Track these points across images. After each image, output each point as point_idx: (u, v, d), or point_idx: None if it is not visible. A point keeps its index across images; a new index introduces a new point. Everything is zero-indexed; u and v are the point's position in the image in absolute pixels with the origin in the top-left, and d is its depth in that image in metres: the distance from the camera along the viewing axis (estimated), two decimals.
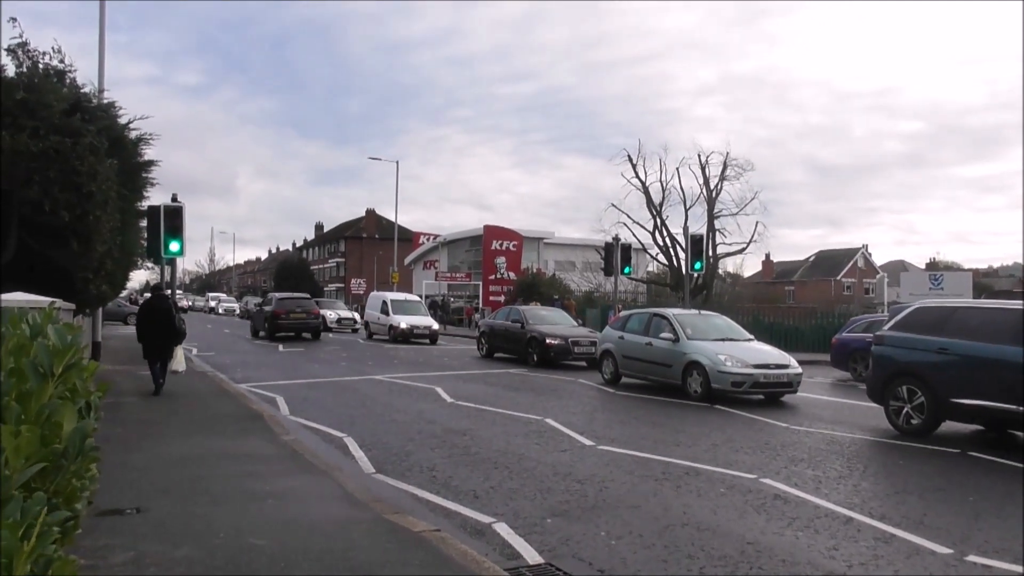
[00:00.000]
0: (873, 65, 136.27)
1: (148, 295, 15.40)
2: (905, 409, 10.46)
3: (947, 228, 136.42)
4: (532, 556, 5.37)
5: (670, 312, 16.04)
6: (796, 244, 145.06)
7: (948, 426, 10.58)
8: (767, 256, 79.95)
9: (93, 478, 3.02)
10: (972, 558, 5.43)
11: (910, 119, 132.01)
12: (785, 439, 10.05)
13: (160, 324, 13.28)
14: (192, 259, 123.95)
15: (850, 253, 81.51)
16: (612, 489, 7.26)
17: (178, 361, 14.42)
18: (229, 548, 5.08)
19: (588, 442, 9.59)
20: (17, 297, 5.65)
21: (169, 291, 18.47)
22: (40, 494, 1.72)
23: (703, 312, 17.27)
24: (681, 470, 8.07)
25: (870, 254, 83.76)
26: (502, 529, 5.99)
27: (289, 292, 37.75)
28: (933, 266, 75.72)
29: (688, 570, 5.10)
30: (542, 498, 6.92)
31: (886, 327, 11.22)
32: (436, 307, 45.82)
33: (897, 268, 67.00)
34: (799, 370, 13.96)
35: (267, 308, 31.55)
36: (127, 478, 7.02)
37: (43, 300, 5.57)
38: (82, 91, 11.49)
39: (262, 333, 31.09)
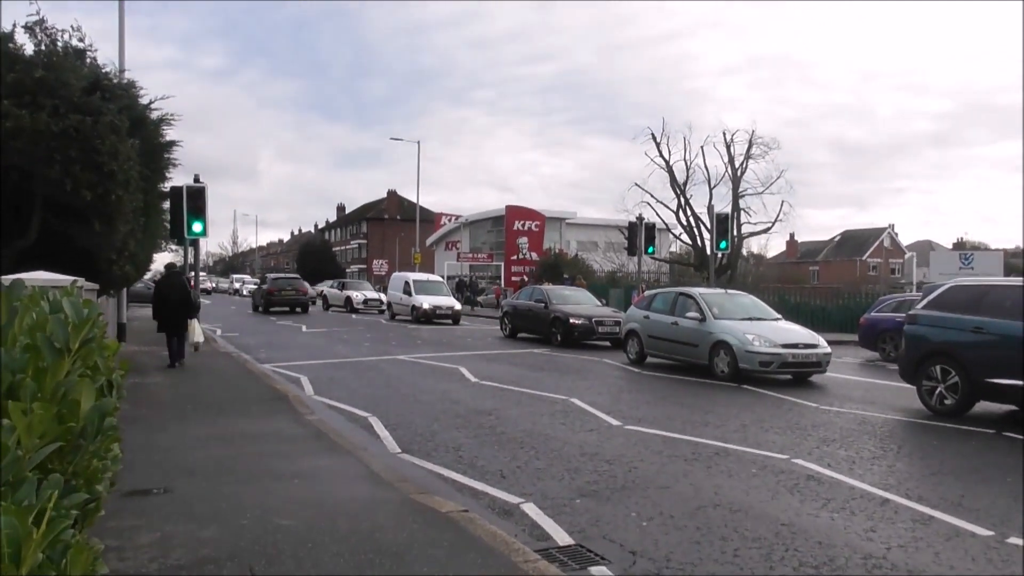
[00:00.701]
0: (900, 44, 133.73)
1: (160, 273, 16.40)
2: (938, 389, 10.23)
3: (974, 208, 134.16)
4: (562, 537, 5.27)
5: (696, 291, 15.84)
6: (820, 225, 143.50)
7: (981, 406, 10.33)
8: (791, 236, 78.97)
9: (116, 459, 2.93)
10: (1013, 540, 5.26)
11: (938, 98, 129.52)
12: (815, 419, 9.86)
13: (174, 300, 13.97)
14: (215, 241, 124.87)
15: (876, 233, 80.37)
16: (641, 469, 7.14)
17: (197, 333, 15.47)
18: (255, 529, 5.02)
19: (615, 422, 9.47)
20: (38, 276, 5.60)
21: (192, 272, 18.57)
22: (57, 476, 1.62)
23: (730, 291, 17.01)
24: (711, 450, 7.93)
25: (896, 234, 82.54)
26: (530, 509, 5.90)
27: (283, 274, 44.49)
28: (960, 246, 74.39)
29: (722, 552, 4.98)
30: (570, 478, 6.82)
31: (919, 306, 10.96)
32: (464, 287, 44.65)
33: (924, 248, 65.94)
34: (828, 350, 13.72)
35: (263, 287, 37.02)
36: (153, 459, 7.01)
37: (65, 279, 5.51)
38: (104, 70, 11.44)
39: (260, 308, 35.98)
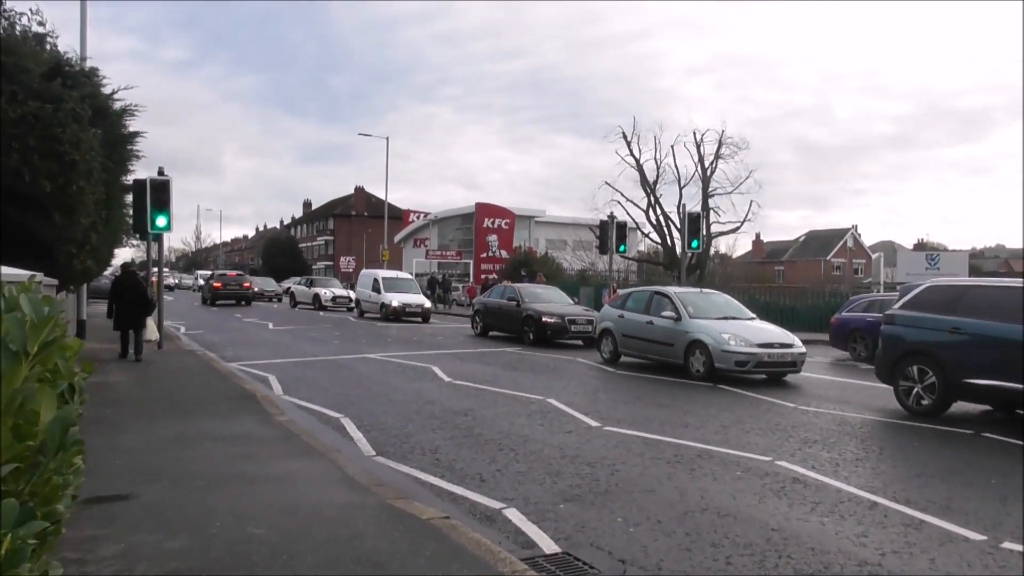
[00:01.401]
0: (862, 46, 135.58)
1: (118, 271, 16.70)
2: (915, 389, 10.22)
3: (933, 210, 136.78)
4: (548, 545, 5.08)
5: (672, 290, 15.75)
6: (783, 225, 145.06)
7: (957, 406, 10.35)
8: (757, 236, 79.82)
9: (78, 471, 2.66)
10: (1008, 545, 5.18)
11: (898, 100, 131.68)
12: (795, 420, 9.79)
13: (129, 298, 14.54)
14: (178, 236, 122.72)
15: (840, 233, 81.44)
16: (624, 472, 6.97)
17: (150, 331, 16.02)
18: (227, 538, 4.76)
19: (594, 423, 9.30)
20: None
21: (155, 268, 18.11)
22: (11, 502, 1.38)
23: (704, 291, 16.97)
24: (693, 452, 7.80)
25: (860, 235, 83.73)
26: (513, 515, 5.70)
27: (227, 271, 49.15)
28: (921, 247, 75.73)
29: (714, 559, 4.82)
30: (552, 482, 6.63)
31: (896, 306, 10.95)
32: (436, 285, 43.13)
33: (887, 248, 66.89)
34: (803, 349, 13.71)
35: (211, 282, 42.04)
36: (117, 462, 6.68)
37: (23, 273, 5.17)
38: (66, 56, 10.99)
39: (208, 301, 40.26)
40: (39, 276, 6.33)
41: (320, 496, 5.84)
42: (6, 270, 5.48)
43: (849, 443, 8.46)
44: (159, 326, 17.10)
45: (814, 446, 8.22)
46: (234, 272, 46.84)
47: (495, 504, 5.96)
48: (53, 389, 2.42)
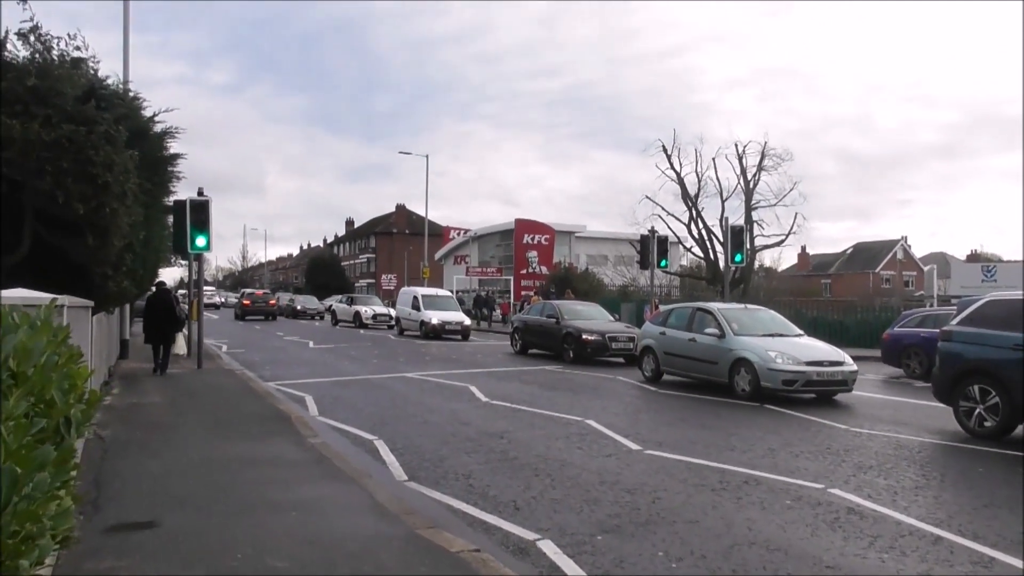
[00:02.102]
0: (906, 56, 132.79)
1: (152, 290, 17.74)
2: (977, 410, 9.66)
3: (982, 219, 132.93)
4: None
5: (715, 306, 15.30)
6: (828, 237, 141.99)
7: (1021, 428, 9.75)
8: (803, 249, 78.27)
9: (66, 512, 2.45)
10: None
11: (945, 109, 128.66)
12: (847, 443, 9.31)
13: (161, 314, 15.59)
14: (225, 256, 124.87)
15: (889, 245, 79.53)
16: (666, 500, 6.61)
17: (179, 345, 17.68)
18: (245, 571, 4.54)
19: (634, 446, 8.94)
20: (15, 294, 5.14)
21: (195, 287, 18.27)
22: None
23: (749, 307, 16.45)
24: (739, 478, 7.40)
25: (909, 246, 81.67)
26: (547, 547, 5.39)
27: (256, 291, 56.62)
28: (975, 258, 73.54)
29: None
30: (589, 510, 6.31)
31: (954, 321, 10.40)
32: (481, 304, 41.99)
33: (939, 260, 65.06)
34: (854, 367, 13.15)
35: (241, 300, 48.99)
36: (142, 487, 6.55)
37: (44, 297, 5.05)
38: (104, 80, 11.05)
39: (239, 316, 46.16)
40: (62, 299, 6.26)
41: (347, 525, 5.61)
42: (28, 293, 5.39)
43: (907, 469, 7.96)
44: (199, 345, 17.16)
45: (869, 472, 7.75)
46: (261, 291, 54.70)
47: (529, 535, 5.65)
48: (26, 430, 2.21)
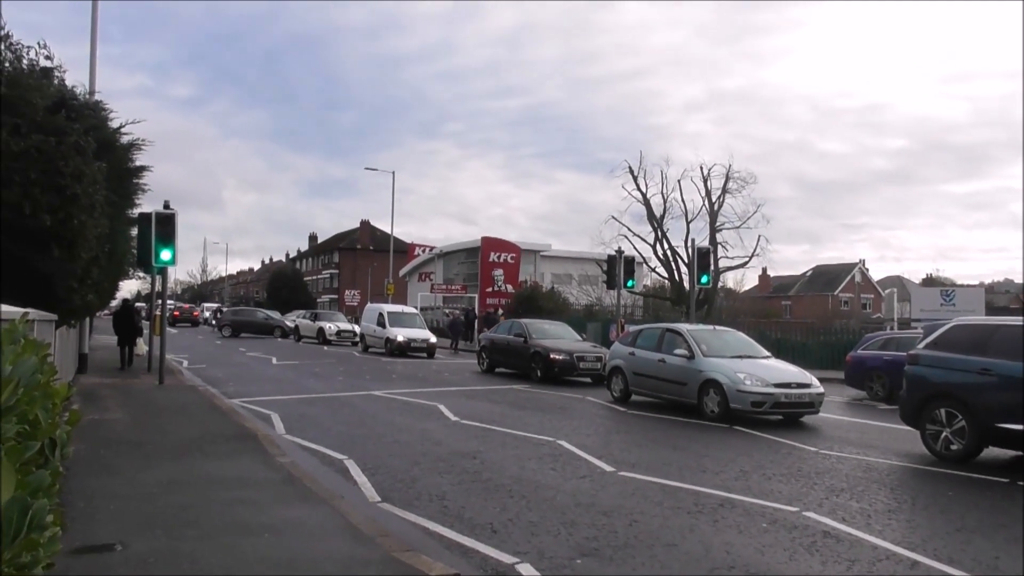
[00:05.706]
0: (858, 82, 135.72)
1: (120, 302, 23.85)
2: (944, 433, 9.82)
3: (933, 244, 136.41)
4: None
5: (684, 328, 15.40)
6: (785, 259, 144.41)
7: (987, 452, 9.94)
8: (764, 270, 79.49)
9: (54, 538, 2.34)
10: None
11: (896, 136, 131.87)
12: (818, 465, 9.39)
13: (126, 323, 20.89)
14: (184, 269, 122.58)
15: (847, 268, 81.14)
16: (643, 523, 6.59)
17: (140, 347, 22.37)
18: None
19: (608, 467, 8.91)
20: None
21: (159, 300, 17.95)
22: None
23: (717, 328, 16.60)
24: (715, 501, 7.40)
25: (867, 269, 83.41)
26: (527, 571, 5.33)
27: (183, 304, 67.21)
28: (930, 282, 75.30)
29: None
30: (567, 533, 6.25)
31: (920, 345, 10.59)
32: (459, 324, 37.68)
33: (896, 284, 66.50)
34: (821, 389, 13.32)
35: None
36: (109, 508, 6.34)
37: (15, 311, 4.87)
38: (71, 89, 10.83)
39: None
40: (33, 313, 6.07)
41: (321, 548, 5.48)
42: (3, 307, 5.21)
43: (879, 492, 8.05)
44: (161, 360, 16.79)
45: (842, 495, 7.81)
46: (187, 305, 67.84)
47: (507, 559, 5.58)
48: (21, 454, 2.11)
